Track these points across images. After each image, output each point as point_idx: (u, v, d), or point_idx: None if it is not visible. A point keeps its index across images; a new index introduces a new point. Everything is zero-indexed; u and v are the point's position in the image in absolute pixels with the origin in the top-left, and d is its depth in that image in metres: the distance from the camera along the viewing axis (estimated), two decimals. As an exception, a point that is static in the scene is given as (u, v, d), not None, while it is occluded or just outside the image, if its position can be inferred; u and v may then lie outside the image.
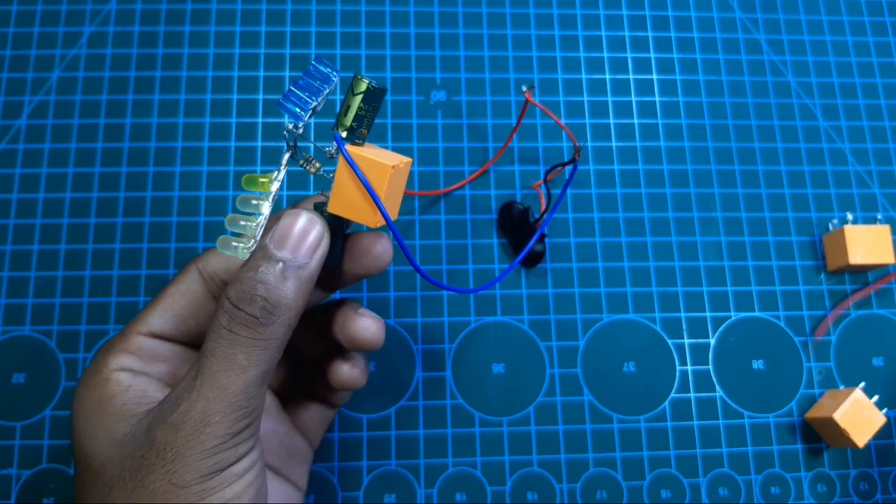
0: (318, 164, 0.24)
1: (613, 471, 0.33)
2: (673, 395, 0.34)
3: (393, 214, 0.23)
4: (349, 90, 0.23)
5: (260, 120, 0.36)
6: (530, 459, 0.33)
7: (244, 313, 0.21)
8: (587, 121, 0.37)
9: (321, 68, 0.23)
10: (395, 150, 0.36)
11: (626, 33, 0.39)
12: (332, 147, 0.23)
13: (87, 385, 0.23)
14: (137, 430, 0.22)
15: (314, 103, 0.23)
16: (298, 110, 0.22)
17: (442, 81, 0.37)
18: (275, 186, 0.22)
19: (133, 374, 0.23)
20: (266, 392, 0.23)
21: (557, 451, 0.33)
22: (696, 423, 0.34)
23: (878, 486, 0.33)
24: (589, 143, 0.37)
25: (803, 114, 0.38)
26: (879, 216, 0.37)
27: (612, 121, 0.37)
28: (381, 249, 0.24)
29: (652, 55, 0.39)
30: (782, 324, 0.35)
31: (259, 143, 0.36)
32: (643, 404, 0.34)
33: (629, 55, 0.39)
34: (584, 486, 0.33)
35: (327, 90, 0.23)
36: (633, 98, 0.38)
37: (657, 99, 0.38)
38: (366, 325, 0.25)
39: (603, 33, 0.39)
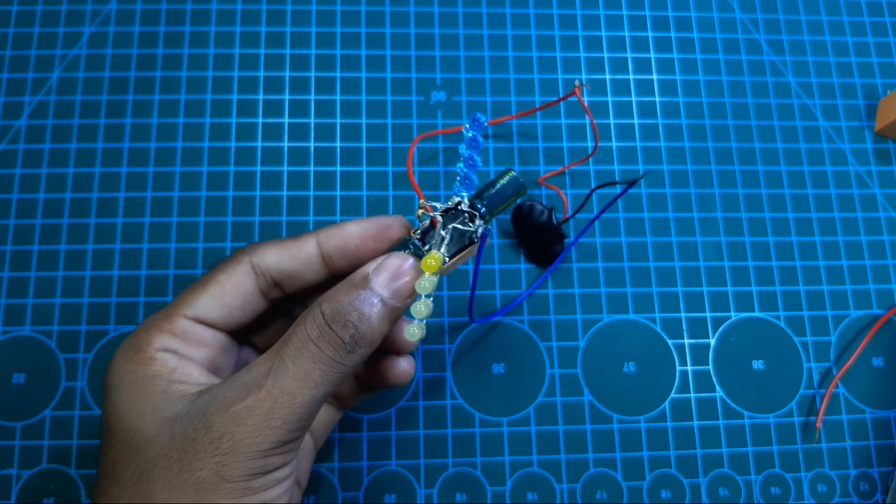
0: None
1: (613, 471, 0.33)
2: (673, 395, 0.34)
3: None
4: (513, 192, 0.24)
5: (260, 120, 0.36)
6: (530, 459, 0.33)
7: (336, 335, 0.22)
8: (586, 121, 0.37)
9: (479, 139, 0.24)
10: (394, 150, 0.36)
11: (627, 33, 0.39)
12: (478, 229, 0.24)
13: (131, 360, 0.23)
14: (191, 410, 0.22)
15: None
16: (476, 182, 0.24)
17: (442, 81, 0.37)
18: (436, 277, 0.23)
19: (177, 356, 0.23)
20: (317, 414, 0.23)
21: (557, 451, 0.33)
22: (696, 423, 0.34)
23: (878, 486, 0.33)
24: (588, 144, 0.37)
25: (803, 114, 0.38)
26: (881, 217, 0.37)
27: (612, 121, 0.37)
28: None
29: (652, 55, 0.39)
30: (782, 324, 0.35)
31: (259, 144, 0.36)
32: (643, 404, 0.34)
33: (629, 55, 0.39)
34: (584, 486, 0.33)
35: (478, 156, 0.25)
36: (633, 98, 0.38)
37: (657, 99, 0.38)
38: (404, 370, 0.27)
39: (603, 33, 0.39)
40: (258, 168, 0.35)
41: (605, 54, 0.38)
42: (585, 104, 0.32)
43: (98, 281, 0.33)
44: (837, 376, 0.34)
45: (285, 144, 0.36)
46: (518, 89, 0.37)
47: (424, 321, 0.23)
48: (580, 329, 0.34)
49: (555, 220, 0.34)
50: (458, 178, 0.24)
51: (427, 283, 0.23)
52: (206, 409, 0.21)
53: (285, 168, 0.35)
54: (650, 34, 0.39)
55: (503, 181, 0.25)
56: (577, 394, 0.34)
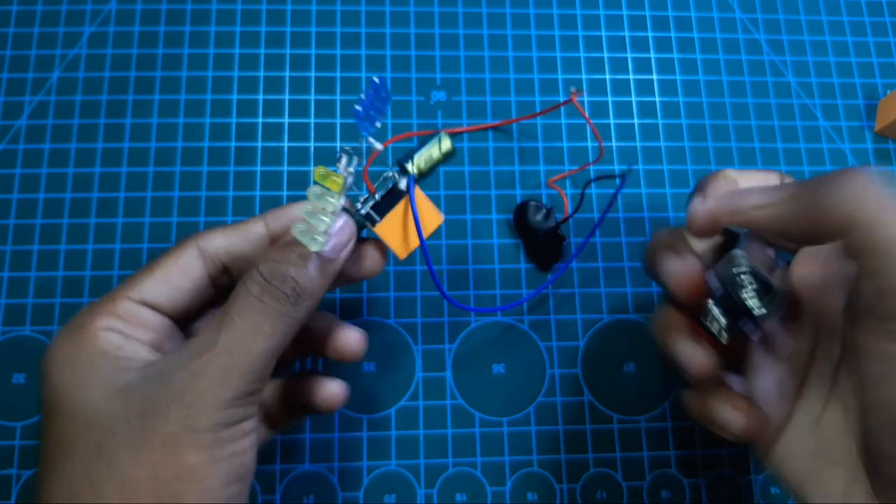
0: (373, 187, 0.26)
1: (613, 471, 0.33)
2: (673, 395, 0.34)
3: (406, 252, 0.26)
4: (436, 144, 0.26)
5: (260, 120, 0.36)
6: (530, 459, 0.33)
7: (277, 289, 0.22)
8: (585, 122, 0.37)
9: (387, 86, 0.25)
10: (394, 150, 0.36)
11: (627, 33, 0.39)
12: (401, 181, 0.26)
13: (72, 340, 0.23)
14: (145, 377, 0.22)
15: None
16: (379, 125, 0.25)
17: (442, 81, 0.37)
18: (343, 196, 0.24)
19: (122, 336, 0.23)
20: (272, 368, 0.23)
21: (557, 451, 0.33)
22: (696, 423, 0.34)
23: (878, 486, 0.33)
24: (589, 144, 0.37)
25: (803, 114, 0.38)
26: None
27: (612, 121, 0.37)
28: (376, 257, 0.27)
29: (652, 55, 0.39)
30: (782, 324, 0.35)
31: (259, 144, 0.36)
32: (643, 404, 0.34)
33: (629, 55, 0.39)
34: (584, 486, 0.33)
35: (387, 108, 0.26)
36: (633, 98, 0.38)
37: (657, 99, 0.38)
38: (352, 338, 0.27)
39: (603, 33, 0.39)
40: (258, 168, 0.35)
41: (605, 54, 0.38)
42: (584, 110, 0.32)
43: (98, 281, 0.33)
44: None
45: (285, 144, 0.36)
46: (518, 89, 0.37)
47: (321, 235, 0.23)
48: (580, 329, 0.34)
49: (554, 221, 0.34)
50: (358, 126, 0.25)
51: (324, 200, 0.23)
52: (162, 371, 0.22)
53: (285, 168, 0.35)
54: (650, 34, 0.39)
55: (431, 142, 0.26)
56: (577, 394, 0.34)
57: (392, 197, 0.26)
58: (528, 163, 0.36)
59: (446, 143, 0.27)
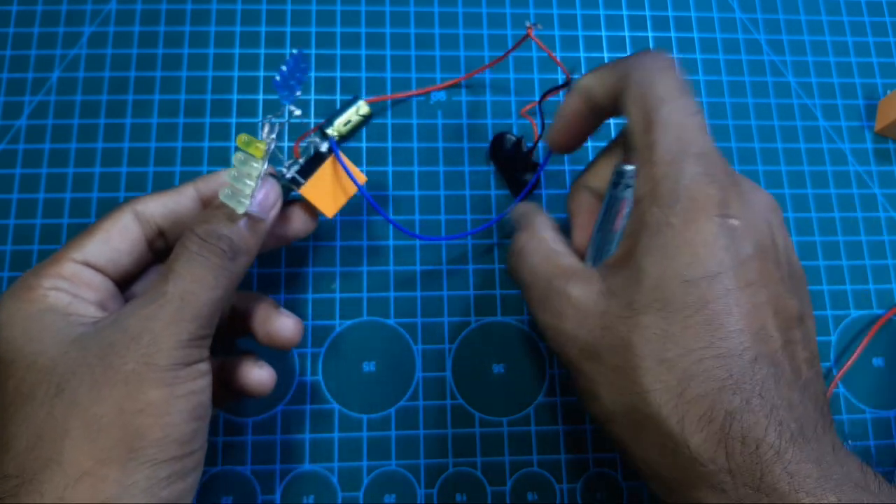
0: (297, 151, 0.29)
1: (613, 471, 0.33)
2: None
3: (333, 210, 0.29)
4: (354, 110, 0.30)
5: (260, 120, 0.36)
6: (530, 459, 0.33)
7: (214, 245, 0.24)
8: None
9: (305, 55, 0.27)
10: (394, 150, 0.36)
11: (627, 33, 0.39)
12: (321, 144, 0.28)
13: (21, 298, 0.23)
14: (99, 328, 0.23)
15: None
16: (298, 93, 0.27)
17: (442, 81, 0.37)
18: (265, 161, 0.26)
19: (70, 295, 0.24)
20: (217, 319, 0.25)
21: (557, 451, 0.33)
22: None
23: (878, 486, 0.33)
24: (589, 144, 0.37)
25: (803, 114, 0.38)
26: (881, 217, 0.37)
27: (612, 121, 0.37)
28: (304, 217, 0.29)
29: (652, 55, 0.39)
30: (782, 324, 0.35)
31: (259, 143, 0.36)
32: (643, 404, 0.34)
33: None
34: (584, 486, 0.33)
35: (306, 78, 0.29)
36: (633, 98, 0.38)
37: (657, 99, 0.38)
38: (286, 325, 0.28)
39: (603, 33, 0.39)
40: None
41: (606, 54, 0.38)
42: (541, 42, 0.32)
43: (98, 281, 0.33)
44: (837, 376, 0.34)
45: (285, 144, 0.36)
46: (518, 89, 0.37)
47: (246, 198, 0.25)
48: (580, 329, 0.34)
49: (524, 148, 0.34)
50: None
51: (248, 165, 0.25)
52: (116, 319, 0.23)
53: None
54: (650, 34, 0.39)
55: (350, 107, 0.30)
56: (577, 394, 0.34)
57: (315, 160, 0.28)
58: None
59: (364, 108, 0.30)
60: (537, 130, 0.32)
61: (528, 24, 0.32)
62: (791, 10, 0.40)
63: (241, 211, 0.25)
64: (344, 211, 0.35)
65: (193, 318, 0.23)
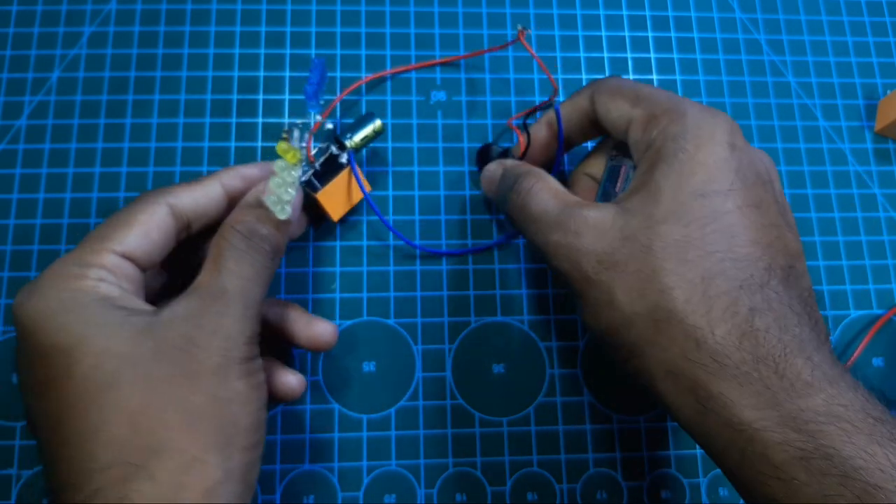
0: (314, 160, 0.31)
1: (613, 471, 0.33)
2: (673, 395, 0.34)
3: (340, 215, 0.32)
4: (371, 127, 0.32)
5: (260, 120, 0.36)
6: (530, 459, 0.33)
7: (259, 244, 0.25)
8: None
9: (324, 65, 0.31)
10: (394, 150, 0.36)
11: (627, 33, 0.39)
12: (342, 156, 0.32)
13: (68, 288, 0.23)
14: (165, 320, 0.23)
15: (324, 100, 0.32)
16: (322, 102, 0.31)
17: (442, 81, 0.37)
18: (300, 168, 0.28)
19: (116, 286, 0.24)
20: None
21: (557, 451, 0.33)
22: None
23: (878, 486, 0.33)
24: (589, 145, 0.37)
25: (803, 114, 0.38)
26: (881, 217, 0.37)
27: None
28: (304, 221, 0.33)
29: (652, 55, 0.39)
30: (782, 324, 0.35)
31: (259, 144, 0.36)
32: (644, 404, 0.34)
33: (629, 55, 0.39)
34: (584, 486, 0.33)
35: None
36: (633, 98, 0.38)
37: (657, 99, 0.38)
38: (326, 329, 0.29)
39: (603, 33, 0.39)
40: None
41: (605, 54, 0.38)
42: (532, 49, 0.33)
43: (98, 281, 0.33)
44: None
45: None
46: (518, 89, 0.37)
47: (287, 205, 0.27)
48: (580, 329, 0.34)
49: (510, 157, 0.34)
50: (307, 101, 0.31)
51: (288, 173, 0.27)
52: (186, 315, 0.23)
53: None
54: (650, 34, 0.39)
55: (364, 122, 0.32)
56: (577, 394, 0.34)
57: (332, 168, 0.31)
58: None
59: (378, 125, 0.32)
60: (524, 142, 0.32)
61: (519, 27, 0.32)
62: (791, 10, 0.40)
63: (283, 217, 0.26)
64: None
65: (254, 315, 0.25)
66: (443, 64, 0.37)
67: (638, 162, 0.27)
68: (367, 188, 0.32)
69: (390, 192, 0.35)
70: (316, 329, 0.29)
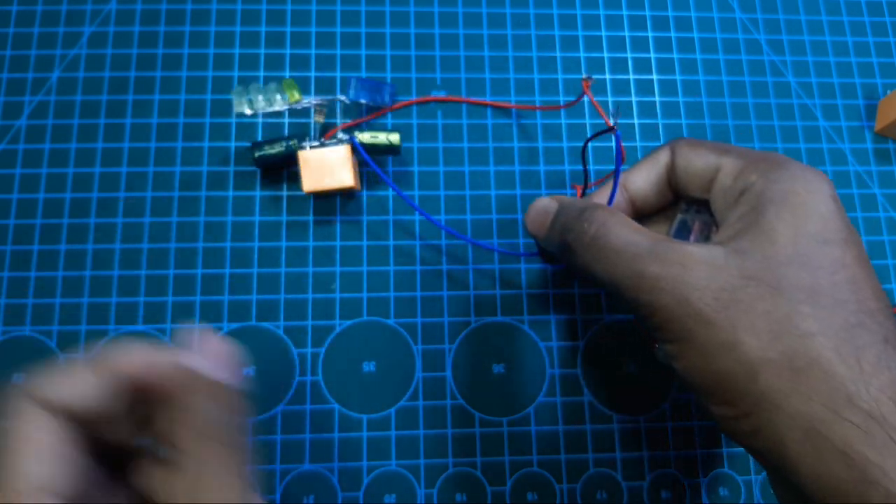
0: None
1: (613, 471, 0.33)
2: (673, 394, 0.34)
3: (309, 189, 0.33)
4: (386, 135, 0.33)
5: (260, 120, 0.36)
6: (530, 459, 0.33)
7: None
8: (587, 121, 0.37)
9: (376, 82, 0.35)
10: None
11: (626, 33, 0.39)
12: (344, 137, 0.33)
13: None
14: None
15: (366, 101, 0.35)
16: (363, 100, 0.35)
17: (442, 81, 0.37)
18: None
19: None
20: None
21: (557, 451, 0.33)
22: (695, 423, 0.34)
23: (878, 486, 0.33)
24: (589, 144, 0.37)
25: (803, 114, 0.38)
26: (881, 217, 0.37)
27: (612, 121, 0.37)
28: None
29: (652, 55, 0.39)
30: (782, 324, 0.35)
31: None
32: (644, 404, 0.34)
33: (629, 55, 0.39)
34: (584, 486, 0.33)
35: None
36: (633, 98, 0.38)
37: (657, 99, 0.38)
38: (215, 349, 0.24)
39: (603, 33, 0.39)
40: (258, 168, 0.35)
41: (605, 54, 0.38)
42: (593, 98, 0.32)
43: (98, 281, 0.33)
44: None
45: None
46: (518, 89, 0.37)
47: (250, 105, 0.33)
48: (580, 329, 0.34)
49: None
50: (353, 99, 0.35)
51: (280, 97, 0.33)
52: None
53: (285, 168, 0.35)
54: (650, 34, 0.39)
55: (386, 132, 0.34)
56: (577, 394, 0.34)
57: (332, 145, 0.33)
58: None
59: (394, 138, 0.33)
60: (580, 190, 0.31)
61: (583, 77, 0.32)
62: (791, 10, 0.40)
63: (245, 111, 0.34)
64: (344, 211, 0.35)
65: None
66: (494, 106, 0.37)
67: (725, 208, 0.26)
68: (355, 184, 0.33)
69: (389, 193, 0.35)
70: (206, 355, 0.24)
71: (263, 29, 0.37)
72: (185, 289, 0.33)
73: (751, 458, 0.33)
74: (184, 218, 0.34)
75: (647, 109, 0.38)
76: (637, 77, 0.38)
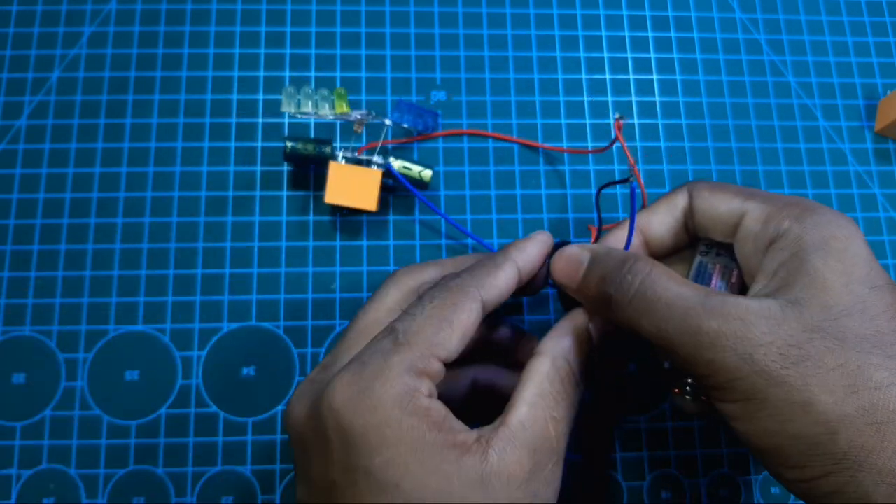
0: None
1: (613, 471, 0.33)
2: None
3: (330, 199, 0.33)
4: (421, 167, 0.34)
5: (260, 120, 0.36)
6: (530, 459, 0.33)
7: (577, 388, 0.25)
8: (587, 121, 0.37)
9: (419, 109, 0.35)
10: (394, 149, 0.36)
11: (626, 33, 0.39)
12: (378, 159, 0.33)
13: (405, 407, 0.22)
14: (502, 475, 0.22)
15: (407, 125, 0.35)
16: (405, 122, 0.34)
17: (442, 81, 0.37)
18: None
19: (443, 406, 0.23)
20: None
21: (557, 451, 0.33)
22: (696, 423, 0.34)
23: (878, 486, 0.33)
24: (589, 144, 0.37)
25: (803, 114, 0.38)
26: (881, 217, 0.37)
27: (613, 121, 0.37)
28: None
29: (652, 55, 0.39)
30: (782, 324, 0.35)
31: (259, 144, 0.36)
32: (643, 405, 0.34)
33: (629, 55, 0.39)
34: (583, 486, 0.32)
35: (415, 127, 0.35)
36: (633, 98, 0.38)
37: (657, 99, 0.38)
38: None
39: (603, 33, 0.39)
40: (258, 168, 0.35)
41: (605, 54, 0.38)
42: (623, 140, 0.32)
43: (98, 281, 0.33)
44: None
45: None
46: (518, 89, 0.37)
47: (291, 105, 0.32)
48: (580, 329, 0.34)
49: None
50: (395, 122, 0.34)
51: (325, 106, 0.33)
52: (518, 471, 0.22)
53: (285, 168, 0.35)
54: (650, 34, 0.39)
55: (422, 165, 0.34)
56: (577, 394, 0.33)
57: (365, 164, 0.32)
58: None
59: (427, 174, 0.34)
60: (595, 233, 0.31)
61: (616, 116, 0.31)
62: (791, 10, 0.40)
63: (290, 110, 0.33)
64: (344, 211, 0.35)
65: None
66: (520, 144, 0.37)
67: (755, 254, 0.25)
68: (377, 209, 0.33)
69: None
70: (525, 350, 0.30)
71: (263, 29, 0.37)
72: (185, 289, 0.33)
73: (751, 458, 0.33)
74: (184, 218, 0.34)
75: (647, 109, 0.38)
76: (637, 77, 0.38)
